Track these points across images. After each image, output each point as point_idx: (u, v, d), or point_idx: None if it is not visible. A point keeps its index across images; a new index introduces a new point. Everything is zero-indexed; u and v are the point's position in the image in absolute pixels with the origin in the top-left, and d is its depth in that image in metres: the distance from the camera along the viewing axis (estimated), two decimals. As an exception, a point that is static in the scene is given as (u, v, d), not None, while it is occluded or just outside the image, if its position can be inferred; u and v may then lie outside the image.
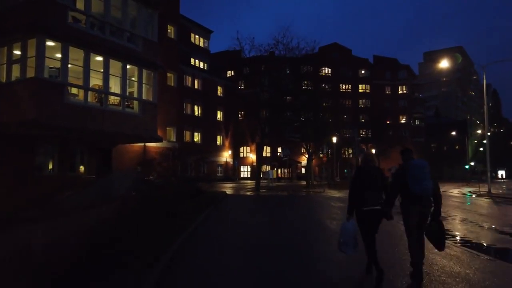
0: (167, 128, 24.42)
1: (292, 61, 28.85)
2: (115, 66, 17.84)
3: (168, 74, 25.81)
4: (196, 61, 47.61)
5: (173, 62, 25.98)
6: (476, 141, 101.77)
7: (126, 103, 18.74)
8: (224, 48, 43.42)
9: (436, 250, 5.30)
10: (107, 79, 17.11)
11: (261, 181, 28.09)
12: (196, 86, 44.62)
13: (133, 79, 18.87)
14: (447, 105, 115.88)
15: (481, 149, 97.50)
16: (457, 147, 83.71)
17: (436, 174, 63.08)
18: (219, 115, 49.00)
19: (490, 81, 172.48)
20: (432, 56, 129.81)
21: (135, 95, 18.83)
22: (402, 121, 68.84)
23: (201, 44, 49.71)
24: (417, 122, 73.25)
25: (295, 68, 31.79)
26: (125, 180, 17.16)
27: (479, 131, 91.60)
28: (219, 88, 49.02)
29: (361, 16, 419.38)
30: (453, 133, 64.21)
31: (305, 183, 40.98)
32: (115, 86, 18.49)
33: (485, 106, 27.76)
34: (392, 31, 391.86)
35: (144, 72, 19.22)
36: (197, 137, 44.70)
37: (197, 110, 44.82)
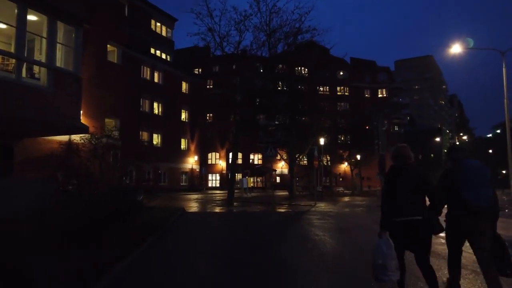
0: (106, 120, 17.71)
1: (267, 59, 22.98)
2: (9, 11, 11.26)
3: (110, 47, 19.18)
4: (158, 52, 40.97)
5: (116, 31, 19.37)
6: (446, 150, 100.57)
7: (35, 73, 12.18)
8: (192, 44, 36.92)
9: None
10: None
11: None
12: (156, 80, 37.88)
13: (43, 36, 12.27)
14: (420, 113, 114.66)
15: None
16: (432, 155, 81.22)
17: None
18: (183, 115, 42.35)
19: (456, 92, 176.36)
20: (404, 64, 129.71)
21: (44, 60, 12.19)
22: (383, 127, 64.52)
23: (164, 33, 43.11)
24: (396, 128, 69.48)
25: (269, 66, 26.29)
26: (23, 192, 10.70)
27: (465, 137, 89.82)
28: (184, 84, 42.42)
29: (331, 22, 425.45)
30: (438, 139, 60.63)
31: (283, 193, 35.44)
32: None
33: (505, 100, 22.99)
34: (361, 41, 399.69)
35: (61, 27, 12.67)
36: (156, 139, 37.81)
37: (157, 108, 38.01)
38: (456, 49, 23.77)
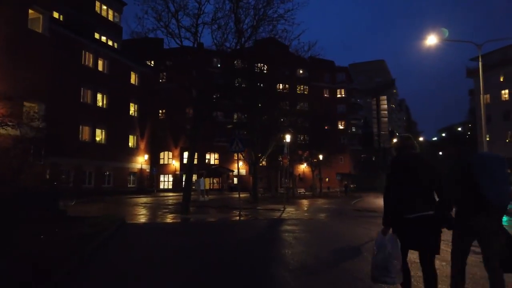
0: (26, 104, 13.70)
1: (225, 54, 20.02)
2: None
3: (32, 13, 15.12)
4: (103, 38, 36.47)
5: (42, -6, 15.39)
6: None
7: None
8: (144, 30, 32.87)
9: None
10: None
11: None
12: (100, 68, 33.48)
13: None
14: (373, 115, 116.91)
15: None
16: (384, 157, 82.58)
17: (369, 185, 59.00)
18: (132, 109, 38.12)
19: (404, 97, 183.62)
20: (357, 68, 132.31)
21: None
22: (341, 127, 63.74)
23: (110, 18, 38.60)
24: (353, 129, 69.24)
25: (227, 62, 23.39)
26: None
27: (421, 139, 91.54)
28: (133, 74, 38.20)
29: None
30: (395, 140, 60.56)
31: (242, 195, 32.53)
32: None
33: (481, 96, 21.79)
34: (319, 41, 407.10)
35: None
36: (100, 135, 33.42)
37: (101, 100, 33.60)
38: (431, 40, 22.25)
